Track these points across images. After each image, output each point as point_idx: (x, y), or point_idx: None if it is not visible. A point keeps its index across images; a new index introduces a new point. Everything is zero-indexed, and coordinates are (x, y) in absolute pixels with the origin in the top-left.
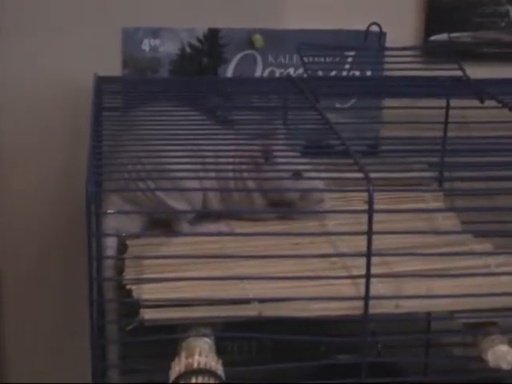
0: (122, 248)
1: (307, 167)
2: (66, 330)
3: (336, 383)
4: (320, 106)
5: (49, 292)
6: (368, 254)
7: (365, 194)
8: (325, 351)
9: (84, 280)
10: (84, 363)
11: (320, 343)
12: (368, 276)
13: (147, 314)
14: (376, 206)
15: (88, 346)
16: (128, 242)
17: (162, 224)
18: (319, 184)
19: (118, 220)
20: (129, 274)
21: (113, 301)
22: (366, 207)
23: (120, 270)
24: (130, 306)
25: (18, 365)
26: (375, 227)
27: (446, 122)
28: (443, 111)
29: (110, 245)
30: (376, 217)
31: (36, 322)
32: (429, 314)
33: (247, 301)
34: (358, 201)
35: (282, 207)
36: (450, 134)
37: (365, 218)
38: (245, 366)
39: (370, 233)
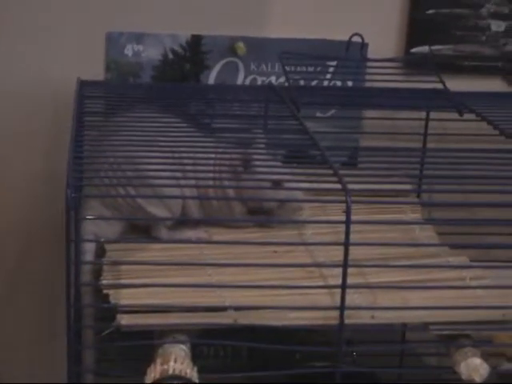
0: (100, 252)
1: (287, 177)
2: (46, 333)
3: None
4: (301, 114)
5: (28, 295)
6: (344, 265)
7: (343, 205)
8: (300, 359)
9: (63, 284)
10: (63, 366)
11: (295, 351)
12: (344, 286)
13: (124, 320)
14: (354, 217)
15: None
16: (106, 247)
17: (141, 229)
18: (298, 194)
19: (96, 225)
20: (106, 278)
21: (90, 306)
22: (343, 217)
23: (97, 275)
24: (107, 311)
25: None
26: (353, 237)
27: (426, 134)
28: (423, 123)
29: (89, 249)
30: (353, 227)
31: (15, 325)
32: (404, 324)
33: (223, 308)
34: (336, 210)
35: (261, 215)
36: (430, 145)
37: (343, 227)
38: (220, 371)
39: (347, 243)
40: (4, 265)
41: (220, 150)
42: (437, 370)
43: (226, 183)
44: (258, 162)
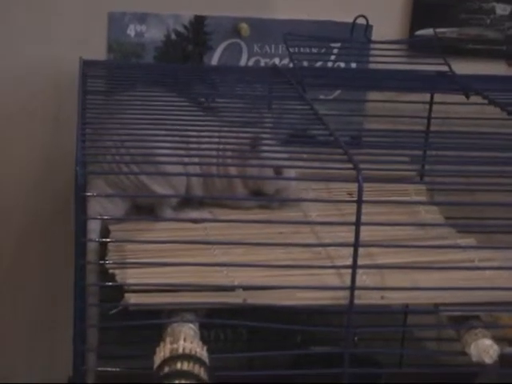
0: (104, 233)
1: (290, 163)
2: (45, 321)
3: (319, 373)
4: (307, 96)
5: (27, 281)
6: (355, 245)
7: (349, 186)
8: (300, 342)
9: (62, 264)
10: (62, 354)
11: (297, 334)
12: (354, 267)
13: (133, 299)
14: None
15: (66, 337)
16: (110, 227)
17: (146, 210)
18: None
19: (101, 205)
20: (111, 258)
21: (97, 285)
22: (350, 198)
23: (101, 255)
24: (112, 291)
25: None
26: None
27: (430, 117)
28: (427, 106)
29: (94, 228)
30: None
31: (14, 309)
32: (407, 306)
33: (232, 288)
34: (340, 192)
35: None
36: (433, 128)
37: (347, 209)
38: (221, 354)
39: (358, 224)
40: (4, 248)
41: (225, 129)
42: (441, 353)
43: (230, 162)
44: (265, 146)
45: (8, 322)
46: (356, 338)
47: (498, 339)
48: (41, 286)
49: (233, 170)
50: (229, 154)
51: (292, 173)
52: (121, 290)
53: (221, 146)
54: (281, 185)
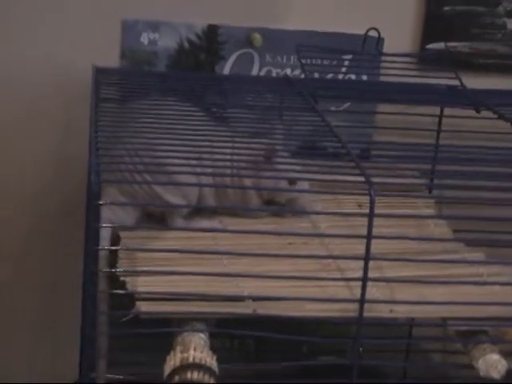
0: (115, 240)
1: (304, 175)
2: (48, 320)
3: (326, 383)
4: (318, 107)
5: (32, 282)
6: (366, 258)
7: (358, 196)
8: (307, 352)
9: (69, 269)
10: (66, 354)
11: (303, 343)
12: (365, 280)
13: (144, 307)
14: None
15: (69, 339)
16: (121, 234)
17: (157, 219)
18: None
19: (113, 212)
20: (122, 266)
21: (109, 292)
22: (359, 210)
23: (111, 262)
24: (121, 298)
25: None
26: (365, 230)
27: (439, 130)
28: (436, 119)
29: (105, 235)
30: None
31: (17, 312)
32: (413, 319)
33: (241, 298)
34: (349, 203)
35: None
36: (443, 142)
37: (356, 220)
38: (227, 363)
39: (369, 237)
40: (10, 250)
41: (238, 140)
42: (448, 366)
43: (245, 173)
44: (279, 157)
45: (10, 323)
46: (361, 349)
47: (505, 354)
48: (47, 289)
49: (247, 180)
50: (243, 164)
51: (305, 184)
52: (131, 297)
53: (234, 157)
54: (294, 194)
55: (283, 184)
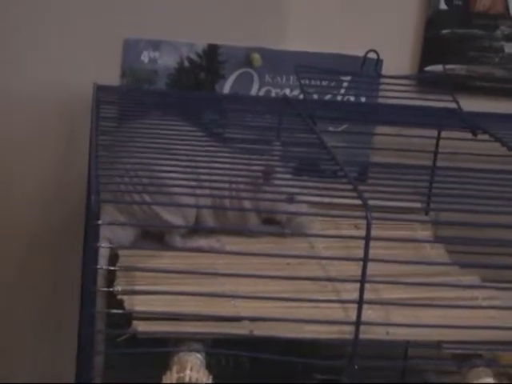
0: (113, 258)
1: (303, 191)
2: (49, 336)
3: None
4: (317, 128)
5: (31, 298)
6: (362, 280)
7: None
8: (301, 371)
9: (68, 287)
10: (66, 369)
11: (299, 362)
12: (361, 302)
13: (141, 327)
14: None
15: (67, 351)
16: (119, 252)
17: (154, 237)
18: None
19: (111, 230)
20: (120, 284)
21: (106, 311)
22: (356, 232)
23: (109, 280)
24: (118, 316)
25: None
26: (362, 252)
27: (436, 152)
28: (434, 141)
29: (103, 254)
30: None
31: (18, 328)
32: (408, 342)
33: (238, 319)
34: (346, 225)
35: (274, 225)
36: (440, 163)
37: (353, 242)
38: (222, 380)
39: (365, 259)
40: (9, 267)
41: (237, 161)
42: None
43: (244, 194)
44: (279, 176)
45: (11, 331)
46: (356, 367)
47: (499, 377)
48: (47, 302)
49: (246, 199)
50: (241, 183)
51: (304, 206)
52: (128, 315)
53: (233, 179)
54: (293, 211)
55: (282, 203)
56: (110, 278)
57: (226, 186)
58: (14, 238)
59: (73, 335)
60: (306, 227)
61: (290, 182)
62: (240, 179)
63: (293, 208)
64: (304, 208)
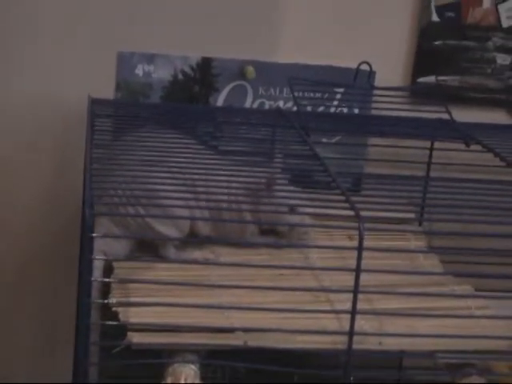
0: (108, 270)
1: (303, 202)
2: (46, 346)
3: None
4: (310, 140)
5: (28, 309)
6: (355, 291)
7: (349, 230)
8: (297, 382)
9: (64, 299)
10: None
11: (293, 373)
12: (354, 312)
13: (135, 338)
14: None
15: (65, 365)
16: (114, 264)
17: (149, 248)
18: (308, 219)
19: (105, 242)
20: (114, 296)
21: (101, 323)
22: (349, 242)
23: (104, 291)
24: (113, 328)
25: None
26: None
27: (430, 163)
28: (427, 152)
29: (97, 266)
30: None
31: (16, 338)
32: (401, 351)
33: (232, 330)
34: (339, 236)
35: (272, 236)
36: (433, 174)
37: (347, 252)
38: None
39: (358, 270)
40: (8, 275)
41: (234, 172)
42: None
43: (242, 205)
44: (278, 187)
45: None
46: (352, 378)
47: None
48: (45, 308)
49: (244, 208)
50: (240, 193)
51: (307, 217)
52: (122, 327)
53: (232, 191)
54: (294, 222)
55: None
56: (105, 290)
57: (223, 197)
58: (9, 251)
59: (72, 338)
60: (309, 238)
61: (291, 194)
62: (238, 191)
63: (296, 219)
64: (307, 219)
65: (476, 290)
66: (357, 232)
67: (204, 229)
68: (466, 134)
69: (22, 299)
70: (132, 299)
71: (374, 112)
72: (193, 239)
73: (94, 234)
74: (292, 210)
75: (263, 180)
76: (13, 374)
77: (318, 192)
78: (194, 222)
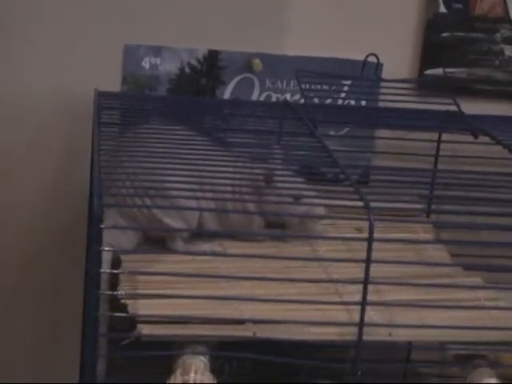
0: (116, 263)
1: (308, 192)
2: (49, 340)
3: None
4: (318, 132)
5: (33, 302)
6: (365, 282)
7: (356, 221)
8: (305, 376)
9: (70, 291)
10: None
11: (301, 367)
12: (364, 303)
13: (145, 330)
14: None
15: (71, 357)
16: (122, 257)
17: (157, 241)
18: (318, 208)
19: (113, 235)
20: (123, 288)
21: (110, 314)
22: (358, 234)
23: (112, 286)
24: (121, 320)
25: None
26: (364, 255)
27: (437, 155)
28: (434, 144)
29: (106, 259)
30: (366, 245)
31: (19, 333)
32: (410, 343)
33: (242, 321)
34: (347, 228)
35: (278, 229)
36: (441, 166)
37: (355, 244)
38: None
39: (368, 261)
40: (11, 269)
41: (239, 164)
42: None
43: (247, 197)
44: (280, 178)
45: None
46: (359, 372)
47: (503, 378)
48: (48, 306)
49: (250, 204)
50: (244, 186)
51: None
52: (131, 320)
53: (237, 182)
54: (301, 212)
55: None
56: (113, 284)
57: (229, 189)
58: (14, 243)
59: (73, 337)
60: (317, 229)
61: (296, 185)
62: (243, 182)
63: (300, 208)
64: (315, 210)
65: (485, 282)
66: (365, 224)
67: (211, 223)
68: (474, 126)
69: (22, 299)
70: (141, 291)
71: (381, 104)
72: (200, 230)
73: (102, 225)
74: (297, 200)
75: (261, 174)
76: (13, 374)
77: (326, 184)
78: (202, 216)
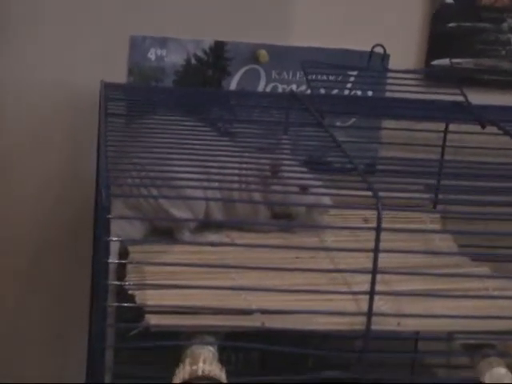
0: (123, 254)
1: (315, 182)
2: (55, 333)
3: None
4: (325, 122)
5: (41, 295)
6: (374, 272)
7: (364, 212)
8: (312, 366)
9: (77, 282)
10: (73, 365)
11: (308, 358)
12: (372, 293)
13: (154, 320)
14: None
15: (77, 350)
16: (129, 248)
17: (164, 232)
18: (325, 198)
19: (120, 227)
20: (131, 279)
21: (118, 305)
22: (365, 225)
23: (119, 277)
24: (129, 311)
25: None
26: (372, 245)
27: (444, 146)
28: (441, 134)
29: (113, 249)
30: (373, 235)
31: (26, 325)
32: (417, 333)
33: (250, 311)
34: (354, 218)
35: (286, 220)
36: (447, 157)
37: (362, 235)
38: (231, 377)
39: (376, 251)
40: (18, 265)
41: (246, 155)
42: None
43: (253, 187)
44: (286, 168)
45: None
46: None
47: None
48: (56, 301)
49: (256, 195)
50: (251, 177)
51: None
52: (138, 311)
53: (243, 171)
54: (309, 202)
55: (293, 195)
56: (120, 275)
57: (235, 179)
58: (19, 237)
59: (74, 336)
60: (324, 219)
61: (300, 174)
62: (249, 173)
63: (307, 198)
64: (322, 200)
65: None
66: (373, 214)
67: (218, 214)
68: (481, 116)
69: (22, 299)
70: (149, 282)
71: (387, 95)
72: (207, 220)
73: (111, 216)
74: (304, 189)
75: (268, 165)
76: (13, 374)
77: (334, 174)
78: (208, 207)
